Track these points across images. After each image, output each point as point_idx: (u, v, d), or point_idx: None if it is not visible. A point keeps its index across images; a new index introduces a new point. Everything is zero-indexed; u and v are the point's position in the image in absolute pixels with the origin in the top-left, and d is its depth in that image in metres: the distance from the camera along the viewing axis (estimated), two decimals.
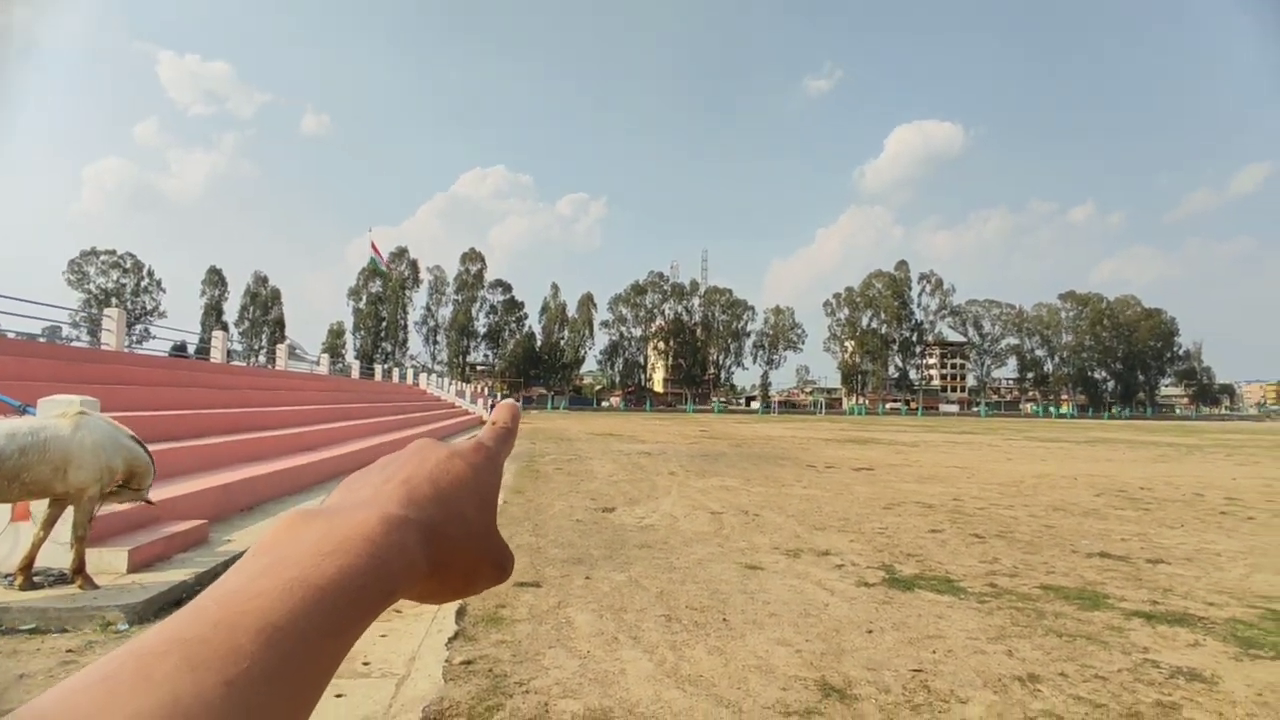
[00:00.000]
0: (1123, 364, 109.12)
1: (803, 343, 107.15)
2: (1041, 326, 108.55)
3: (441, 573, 0.38)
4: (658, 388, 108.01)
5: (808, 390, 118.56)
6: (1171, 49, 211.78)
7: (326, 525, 0.34)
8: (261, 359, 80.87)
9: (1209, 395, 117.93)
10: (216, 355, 17.93)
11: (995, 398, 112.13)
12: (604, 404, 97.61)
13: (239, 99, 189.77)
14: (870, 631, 4.71)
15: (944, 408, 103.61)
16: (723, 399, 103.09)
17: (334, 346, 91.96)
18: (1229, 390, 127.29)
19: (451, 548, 0.38)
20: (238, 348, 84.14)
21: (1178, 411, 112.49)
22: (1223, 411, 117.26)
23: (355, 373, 33.65)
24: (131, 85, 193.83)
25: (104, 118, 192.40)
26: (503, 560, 0.41)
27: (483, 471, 0.42)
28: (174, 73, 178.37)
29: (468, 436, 0.44)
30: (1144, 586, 6.00)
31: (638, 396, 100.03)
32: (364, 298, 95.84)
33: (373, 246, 72.55)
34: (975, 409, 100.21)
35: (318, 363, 28.35)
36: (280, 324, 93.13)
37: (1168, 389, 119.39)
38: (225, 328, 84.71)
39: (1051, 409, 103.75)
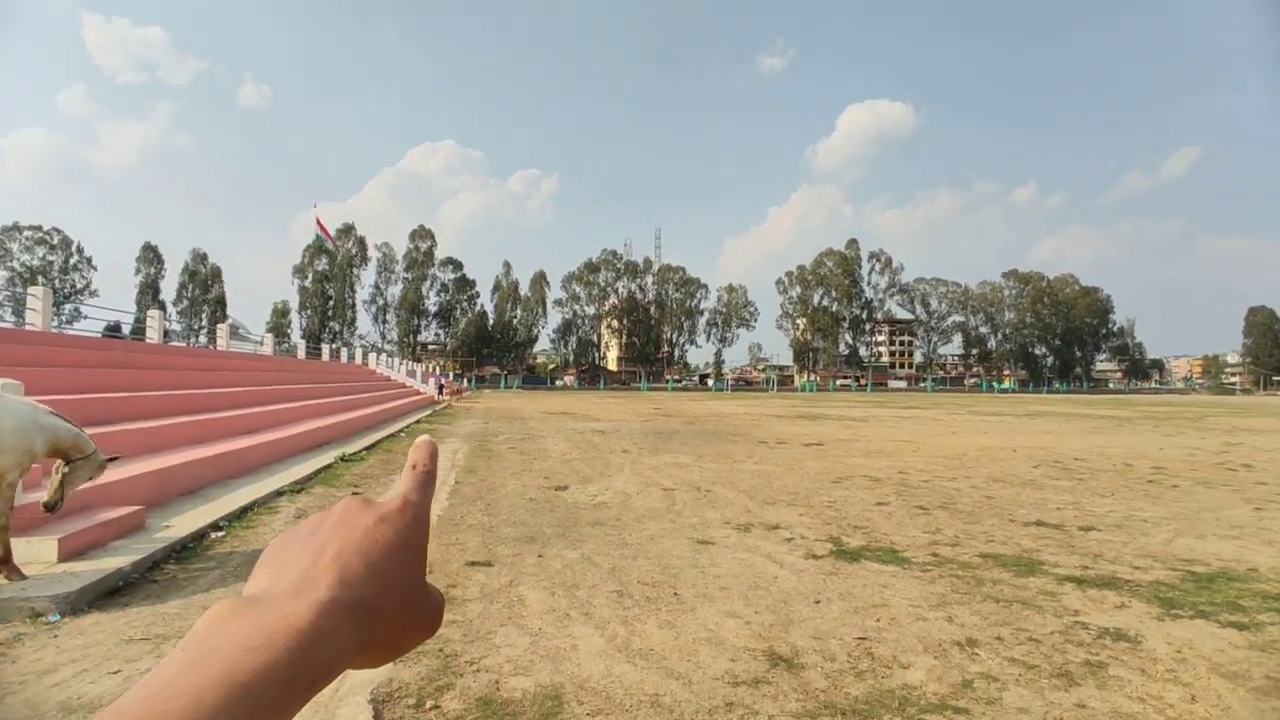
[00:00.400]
0: (1061, 340, 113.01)
1: (755, 320, 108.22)
2: (985, 304, 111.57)
3: (373, 648, 0.38)
4: (612, 366, 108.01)
5: (761, 367, 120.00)
6: (1109, 35, 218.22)
7: (255, 617, 0.34)
8: (202, 339, 78.27)
9: (1140, 370, 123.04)
10: (152, 335, 17.24)
11: (941, 374, 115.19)
12: (558, 383, 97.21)
13: (172, 66, 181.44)
14: (817, 602, 4.82)
15: (893, 384, 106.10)
16: (677, 377, 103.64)
17: (279, 326, 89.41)
18: (1159, 365, 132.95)
19: (383, 622, 0.38)
20: (176, 327, 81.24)
21: (1111, 386, 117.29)
22: (1153, 385, 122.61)
23: (301, 353, 32.79)
24: (53, 50, 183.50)
25: (22, 84, 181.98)
26: (432, 617, 0.42)
27: (410, 531, 0.41)
28: (101, 38, 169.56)
29: (388, 497, 0.43)
30: (1076, 553, 6.26)
31: (592, 375, 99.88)
32: (310, 276, 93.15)
33: (318, 223, 70.64)
34: (923, 385, 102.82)
35: (261, 343, 27.54)
36: (221, 303, 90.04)
37: (1103, 364, 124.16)
38: (162, 307, 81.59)
39: (994, 384, 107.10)
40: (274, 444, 11.13)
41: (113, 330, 30.57)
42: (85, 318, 65.67)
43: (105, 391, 10.19)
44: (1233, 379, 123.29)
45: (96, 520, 5.73)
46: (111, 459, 5.33)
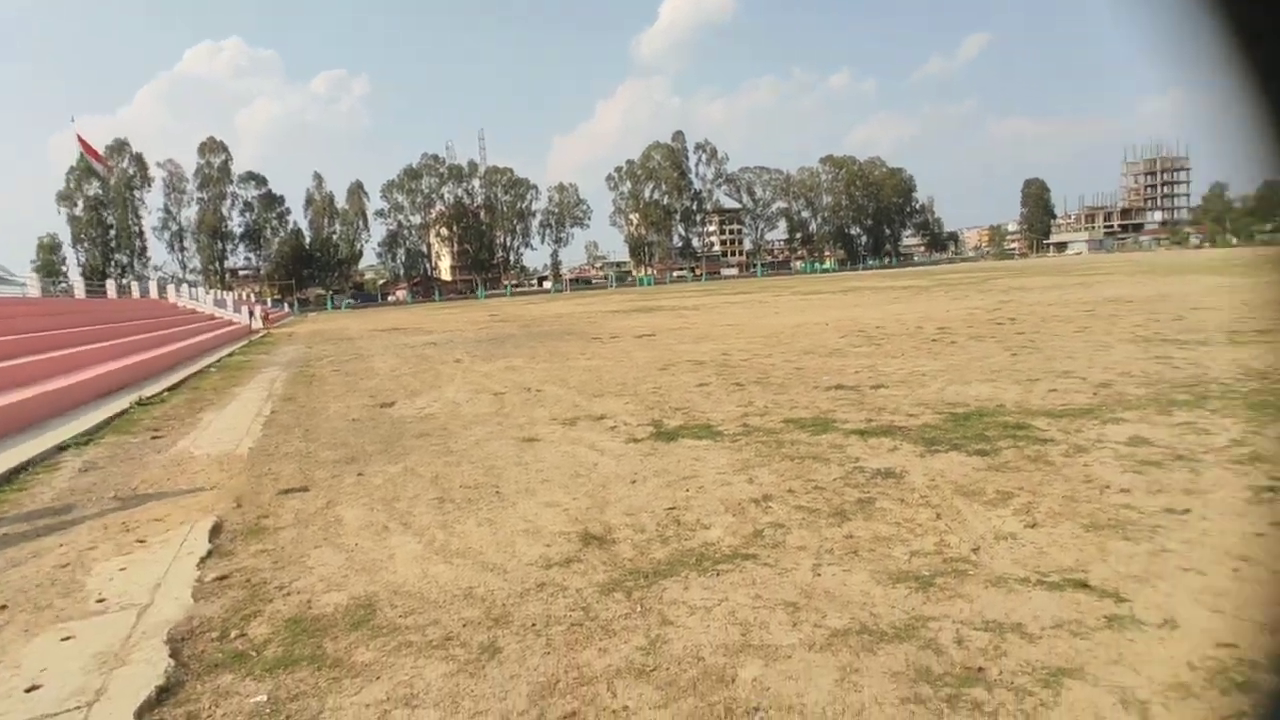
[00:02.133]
0: (873, 220, 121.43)
1: (589, 219, 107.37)
2: (806, 190, 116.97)
3: None
4: (446, 276, 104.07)
5: (599, 265, 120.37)
6: None
7: None
8: None
9: (939, 243, 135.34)
10: None
11: (770, 259, 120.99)
12: (390, 299, 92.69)
13: None
14: (633, 482, 5.09)
15: (725, 272, 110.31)
16: (515, 281, 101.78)
17: (49, 264, 77.69)
18: (954, 237, 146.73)
19: None
20: None
21: (916, 259, 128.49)
22: (950, 256, 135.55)
23: (80, 291, 28.93)
24: None
25: None
26: None
27: None
28: None
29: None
30: (865, 409, 6.98)
31: (425, 288, 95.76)
32: (80, 203, 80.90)
33: (81, 141, 60.95)
34: (753, 270, 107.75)
35: (25, 284, 23.96)
36: None
37: (909, 240, 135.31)
38: None
39: (816, 265, 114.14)
40: (52, 395, 9.91)
41: None
42: None
43: None
44: (1012, 245, 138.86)
45: None
46: None
